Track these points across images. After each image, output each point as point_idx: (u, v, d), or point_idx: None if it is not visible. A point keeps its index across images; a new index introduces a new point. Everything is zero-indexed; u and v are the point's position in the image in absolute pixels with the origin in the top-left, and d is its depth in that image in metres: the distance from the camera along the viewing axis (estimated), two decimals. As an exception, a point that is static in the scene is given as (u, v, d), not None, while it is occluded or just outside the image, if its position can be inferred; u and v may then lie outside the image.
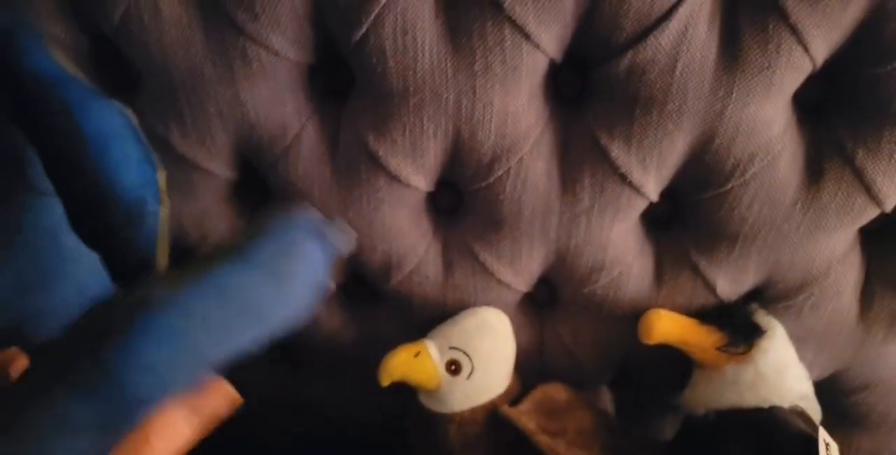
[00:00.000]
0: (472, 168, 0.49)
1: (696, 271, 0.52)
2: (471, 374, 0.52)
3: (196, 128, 0.48)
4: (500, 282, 0.54)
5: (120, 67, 0.48)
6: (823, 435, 0.47)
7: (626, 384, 0.63)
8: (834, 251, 0.51)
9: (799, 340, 0.54)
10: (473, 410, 0.53)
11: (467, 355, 0.52)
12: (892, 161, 0.45)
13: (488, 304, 0.55)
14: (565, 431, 0.54)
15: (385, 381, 0.51)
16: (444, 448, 0.53)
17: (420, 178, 0.50)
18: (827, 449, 0.46)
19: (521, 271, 0.54)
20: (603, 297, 0.54)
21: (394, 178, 0.49)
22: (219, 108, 0.47)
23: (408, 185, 0.50)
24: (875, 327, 0.54)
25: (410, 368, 0.51)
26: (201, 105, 0.47)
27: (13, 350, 0.29)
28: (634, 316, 0.54)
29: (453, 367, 0.52)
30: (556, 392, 0.56)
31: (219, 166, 0.51)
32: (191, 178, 0.51)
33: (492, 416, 0.53)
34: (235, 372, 0.64)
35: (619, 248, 0.52)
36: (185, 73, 0.46)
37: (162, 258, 0.37)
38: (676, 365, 0.56)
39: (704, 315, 0.53)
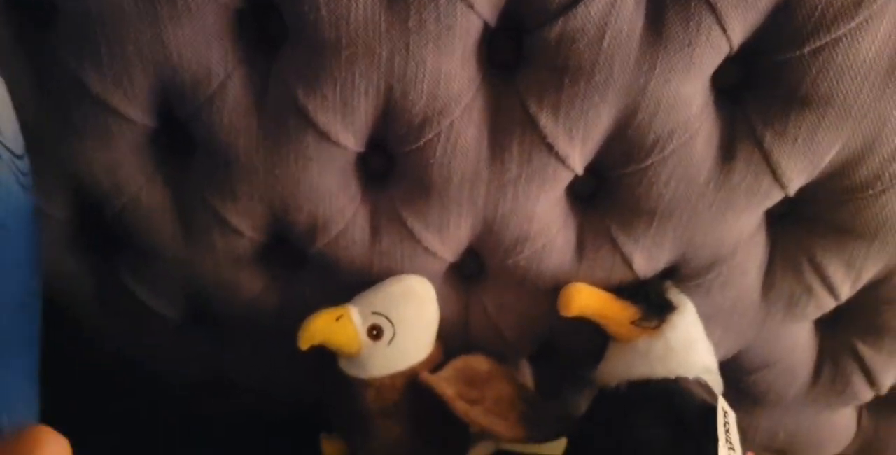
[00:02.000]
0: (402, 129, 0.48)
1: (615, 247, 0.54)
2: (392, 339, 0.51)
3: (113, 68, 0.46)
4: (426, 250, 0.54)
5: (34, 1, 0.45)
6: (722, 404, 0.49)
7: (545, 358, 0.64)
8: (742, 232, 0.54)
9: (707, 319, 0.56)
10: (393, 376, 0.52)
11: (390, 321, 0.52)
12: (797, 144, 0.48)
13: (415, 272, 0.55)
14: (483, 400, 0.54)
15: (304, 345, 0.50)
16: (362, 413, 0.53)
17: (349, 136, 0.49)
18: (725, 416, 0.49)
19: (448, 240, 0.54)
20: (526, 269, 0.55)
21: (323, 136, 0.49)
22: (139, 47, 0.45)
23: (337, 144, 0.49)
24: (775, 307, 0.58)
25: (331, 332, 0.50)
26: (120, 43, 0.45)
27: None
28: (556, 289, 0.55)
29: (375, 333, 0.51)
30: (478, 362, 0.57)
31: (136, 112, 0.48)
32: (106, 123, 0.49)
33: (411, 383, 0.53)
34: (142, 345, 0.62)
35: (544, 220, 0.53)
36: (103, 7, 0.43)
37: None
38: (594, 340, 0.57)
39: (621, 290, 0.55)
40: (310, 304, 0.54)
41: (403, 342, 0.52)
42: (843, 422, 0.67)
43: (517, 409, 0.55)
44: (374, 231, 0.54)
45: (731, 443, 0.47)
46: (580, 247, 0.55)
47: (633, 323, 0.53)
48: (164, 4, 0.43)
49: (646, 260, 0.54)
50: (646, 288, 0.55)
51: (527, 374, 0.65)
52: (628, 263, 0.54)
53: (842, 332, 0.60)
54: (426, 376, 0.52)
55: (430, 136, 0.48)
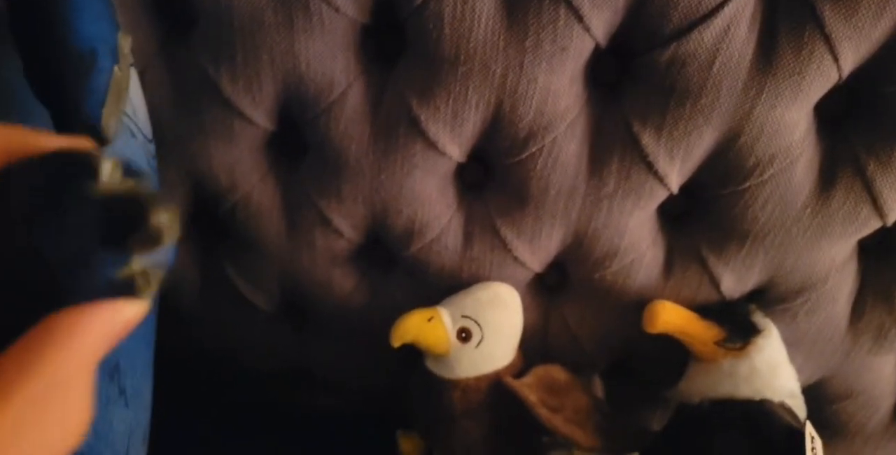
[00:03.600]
0: (507, 142, 0.51)
1: (704, 266, 0.55)
2: (480, 343, 0.53)
3: (246, 74, 0.50)
4: (516, 259, 0.56)
5: (180, 4, 0.49)
6: (809, 429, 0.49)
7: (617, 374, 0.65)
8: (835, 259, 0.54)
9: (791, 344, 0.56)
10: (478, 379, 0.54)
11: (478, 325, 0.54)
12: (902, 174, 0.48)
13: (502, 280, 0.57)
14: (563, 408, 0.55)
15: (397, 342, 0.52)
16: (447, 413, 0.54)
17: (455, 147, 0.52)
18: (812, 442, 0.49)
19: (538, 250, 0.56)
20: (612, 284, 0.56)
21: (430, 145, 0.51)
22: (272, 56, 0.49)
23: (443, 153, 0.52)
24: (863, 338, 0.57)
25: (423, 331, 0.53)
26: (255, 52, 0.48)
27: None
28: (639, 305, 0.56)
29: (464, 335, 0.53)
30: (557, 372, 0.58)
31: (260, 116, 0.52)
32: (231, 124, 0.52)
33: (495, 386, 0.54)
34: (232, 334, 0.66)
35: (635, 236, 0.54)
36: (245, 17, 0.47)
37: (109, 122, 0.35)
38: (670, 359, 0.58)
39: (706, 310, 0.56)
40: (399, 304, 0.56)
41: (490, 346, 0.54)
42: (924, 460, 0.66)
43: (594, 420, 0.56)
44: (467, 238, 0.56)
45: (818, 469, 0.47)
46: (668, 265, 0.56)
47: (717, 343, 0.54)
48: (301, 17, 0.47)
49: (734, 281, 0.55)
50: (731, 309, 0.56)
51: (597, 390, 0.65)
52: (716, 284, 0.55)
53: (931, 368, 0.59)
54: (511, 381, 0.54)
55: (533, 149, 0.50)
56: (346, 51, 0.49)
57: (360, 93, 0.51)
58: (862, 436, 0.63)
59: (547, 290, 0.60)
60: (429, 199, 0.54)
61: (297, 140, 0.54)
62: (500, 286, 0.56)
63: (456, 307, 0.54)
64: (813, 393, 0.61)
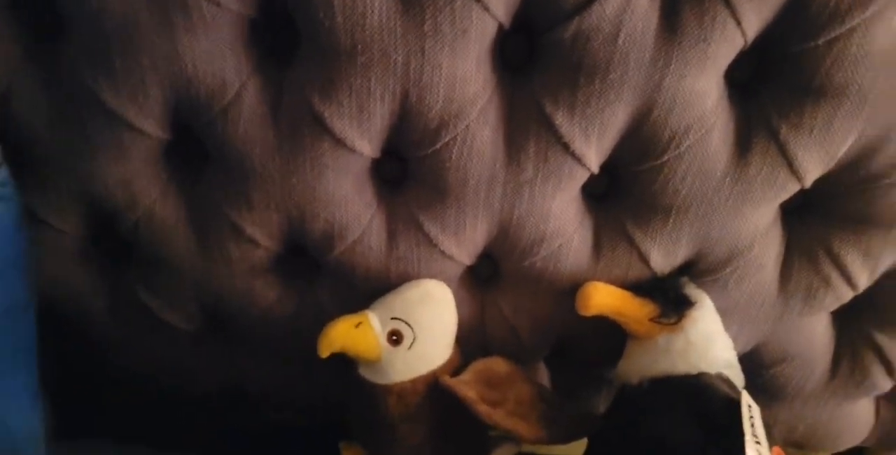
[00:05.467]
0: (418, 134, 0.48)
1: (631, 244, 0.54)
2: (412, 344, 0.51)
3: (128, 81, 0.46)
4: (443, 254, 0.54)
5: (45, 11, 0.45)
6: (746, 398, 0.49)
7: (561, 360, 0.64)
8: (758, 225, 0.54)
9: (725, 313, 0.56)
10: (414, 381, 0.52)
11: (409, 325, 0.51)
12: (813, 136, 0.48)
13: (432, 276, 0.55)
14: (505, 401, 0.54)
15: (324, 352, 0.50)
16: (384, 420, 0.52)
17: (365, 143, 0.49)
18: (750, 410, 0.49)
19: (464, 243, 0.54)
20: (543, 270, 0.55)
21: (339, 143, 0.48)
22: (154, 60, 0.45)
23: (353, 151, 0.49)
24: (793, 300, 0.58)
25: (351, 338, 0.50)
26: (135, 56, 0.45)
27: None
28: (573, 289, 0.55)
29: (395, 338, 0.51)
30: (497, 365, 0.56)
31: (150, 125, 0.48)
32: (121, 136, 0.48)
33: (432, 387, 0.52)
34: (154, 357, 0.62)
35: (560, 220, 0.53)
36: (118, 20, 0.43)
37: None
38: (610, 339, 0.57)
39: (638, 287, 0.55)
40: (327, 311, 0.54)
41: (423, 346, 0.52)
42: (861, 413, 0.67)
43: (538, 410, 0.55)
44: (391, 237, 0.53)
45: (757, 437, 0.47)
46: (597, 246, 0.55)
47: (651, 320, 0.53)
48: (180, 15, 0.43)
49: (663, 256, 0.54)
50: (663, 284, 0.55)
51: (543, 376, 0.64)
52: (645, 260, 0.54)
53: (860, 323, 0.61)
54: (447, 380, 0.52)
55: (447, 139, 0.48)
56: (234, 48, 0.46)
57: (257, 92, 0.47)
58: (801, 397, 0.64)
59: (479, 282, 0.59)
60: (345, 199, 0.52)
61: (196, 147, 0.51)
62: (430, 283, 0.54)
63: (385, 309, 0.52)
64: (750, 360, 0.61)
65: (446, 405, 0.52)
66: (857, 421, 0.68)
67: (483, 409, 0.51)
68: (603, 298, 0.54)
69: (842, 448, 0.70)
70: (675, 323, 0.53)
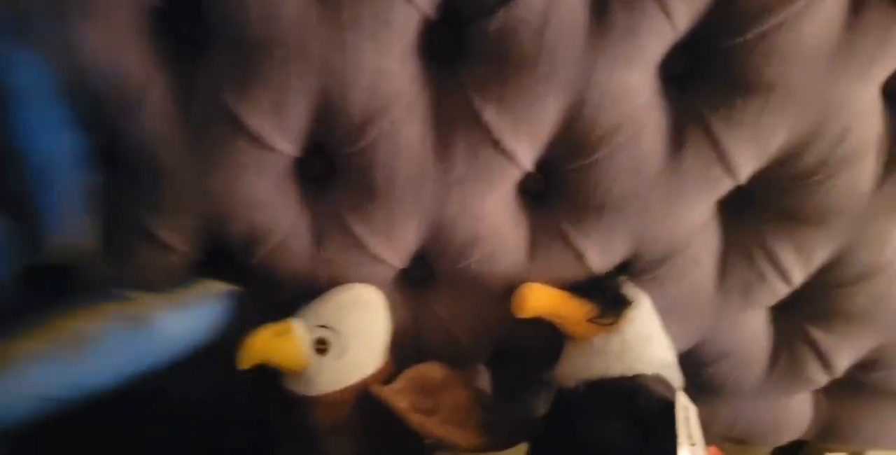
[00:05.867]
0: (342, 130, 0.46)
1: (567, 243, 0.52)
2: (340, 352, 0.49)
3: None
4: (374, 257, 0.52)
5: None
6: (682, 399, 0.48)
7: (502, 362, 0.63)
8: (694, 223, 0.53)
9: (663, 312, 0.56)
10: (343, 392, 0.49)
11: (337, 333, 0.49)
12: (744, 130, 0.47)
13: (362, 280, 0.53)
14: (439, 409, 0.52)
15: (244, 364, 0.47)
16: (310, 433, 0.50)
17: (285, 140, 0.46)
18: (685, 411, 0.48)
19: (395, 245, 0.51)
20: (478, 272, 0.53)
21: (255, 141, 0.46)
22: (49, 50, 0.41)
23: (272, 149, 0.46)
24: (730, 296, 0.57)
25: (273, 349, 0.47)
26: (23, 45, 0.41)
27: None
28: (510, 291, 0.53)
29: (321, 347, 0.48)
30: (432, 370, 0.54)
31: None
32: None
33: (363, 397, 0.50)
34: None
35: (494, 221, 0.51)
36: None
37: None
38: (552, 341, 0.56)
39: (575, 287, 0.54)
40: (252, 319, 0.51)
41: (352, 355, 0.49)
42: (800, 407, 0.68)
43: (475, 416, 0.53)
44: (317, 239, 0.51)
45: (692, 438, 0.46)
46: (532, 246, 0.53)
47: (589, 320, 0.52)
48: (72, 2, 0.39)
49: (599, 255, 0.53)
50: (600, 284, 0.54)
51: (484, 380, 0.63)
52: (581, 260, 0.53)
53: (795, 318, 0.61)
54: (378, 389, 0.49)
55: (373, 136, 0.46)
56: (138, 40, 0.42)
57: (164, 88, 0.44)
58: (740, 394, 0.64)
59: (413, 285, 0.56)
60: (267, 200, 0.49)
61: (103, 148, 0.47)
62: (361, 287, 0.52)
63: (311, 316, 0.49)
64: (689, 358, 0.61)
65: (378, 416, 0.49)
66: (796, 415, 0.68)
67: (416, 418, 0.49)
68: (540, 300, 0.52)
69: (782, 442, 0.71)
70: (613, 323, 0.52)
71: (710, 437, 0.60)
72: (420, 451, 0.55)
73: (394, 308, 0.55)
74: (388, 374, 0.52)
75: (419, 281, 0.56)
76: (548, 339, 0.56)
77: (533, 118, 0.46)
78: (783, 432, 0.69)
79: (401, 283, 0.56)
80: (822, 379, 0.63)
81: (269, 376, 0.52)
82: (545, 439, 0.53)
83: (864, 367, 0.64)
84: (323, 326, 0.49)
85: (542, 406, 0.64)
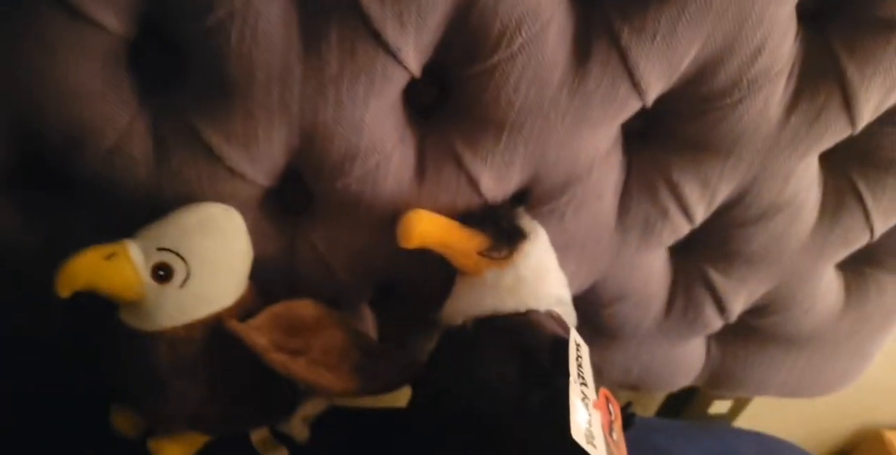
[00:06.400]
0: (184, 8, 0.37)
1: (460, 165, 0.47)
2: (185, 281, 0.41)
3: None
4: (232, 171, 0.44)
5: None
6: (574, 336, 0.45)
7: (387, 302, 0.57)
8: (597, 149, 0.49)
9: (561, 249, 0.51)
10: (189, 327, 0.42)
11: (182, 258, 0.41)
12: (656, 42, 0.42)
13: (220, 199, 0.45)
14: (309, 350, 0.46)
15: (64, 291, 0.38)
16: (154, 375, 0.42)
17: (110, 15, 0.37)
18: (577, 350, 0.44)
19: (258, 158, 0.44)
20: (359, 194, 0.46)
21: (76, 15, 0.36)
22: None
23: (98, 26, 0.37)
24: (630, 234, 0.54)
25: (100, 273, 0.39)
26: None
27: None
28: (395, 218, 0.47)
29: (162, 273, 0.40)
30: (304, 308, 0.48)
31: None
32: None
33: (215, 333, 0.43)
34: None
35: (377, 134, 0.44)
36: None
37: None
38: (442, 276, 0.50)
39: (468, 217, 0.48)
40: (84, 242, 0.42)
41: (201, 284, 0.42)
42: (693, 353, 0.66)
43: (351, 359, 0.47)
44: (159, 145, 0.42)
45: (583, 378, 0.42)
46: (420, 167, 0.47)
47: (480, 253, 0.47)
48: None
49: (494, 181, 0.48)
50: (495, 214, 0.49)
51: (368, 321, 0.57)
52: (475, 185, 0.47)
53: (694, 259, 0.58)
54: (233, 324, 0.42)
55: (221, 14, 0.37)
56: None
57: None
58: (637, 338, 0.62)
59: (288, 210, 0.49)
60: (93, 91, 0.40)
61: None
62: (213, 207, 0.44)
63: (151, 238, 0.41)
64: (587, 299, 0.57)
65: (235, 356, 0.42)
66: (689, 361, 0.67)
67: (277, 357, 0.42)
68: (427, 228, 0.46)
69: (674, 389, 0.70)
70: (506, 257, 0.47)
71: (605, 383, 0.57)
72: (285, 396, 0.49)
73: (262, 235, 0.47)
74: (249, 309, 0.45)
75: (294, 205, 0.49)
76: (437, 275, 0.51)
77: (420, 6, 0.39)
78: (676, 378, 0.68)
79: (271, 206, 0.48)
80: (716, 324, 0.62)
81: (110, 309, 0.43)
82: (429, 381, 0.48)
83: (756, 312, 0.63)
84: (165, 250, 0.41)
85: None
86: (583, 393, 0.41)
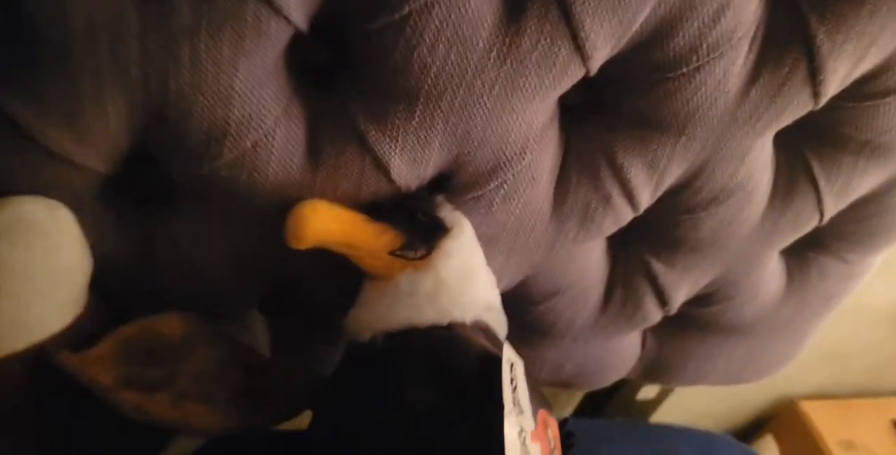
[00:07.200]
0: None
1: (364, 145, 0.37)
2: (-11, 304, 0.30)
3: None
4: (51, 153, 0.33)
5: None
6: (509, 353, 0.37)
7: (282, 308, 0.48)
8: (531, 126, 0.40)
9: (488, 242, 0.44)
10: (4, 363, 0.31)
11: (-19, 273, 0.30)
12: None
13: (39, 191, 0.34)
14: (174, 379, 0.36)
15: None
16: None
17: None
18: (511, 369, 0.37)
19: (89, 136, 0.33)
20: (233, 182, 0.36)
21: None
22: None
23: None
24: (568, 223, 0.47)
25: None
26: None
27: None
28: (282, 210, 0.37)
29: (-48, 295, 0.29)
30: (166, 325, 0.38)
31: None
32: None
33: (40, 368, 0.32)
34: None
35: (252, 104, 0.34)
36: None
37: None
38: (344, 279, 0.42)
39: (375, 209, 0.39)
40: None
41: (11, 307, 0.31)
42: (629, 347, 0.61)
43: (230, 383, 0.38)
44: (-57, 120, 0.31)
45: (519, 406, 0.35)
46: (313, 147, 0.37)
47: (392, 253, 0.39)
48: None
49: (408, 164, 0.39)
50: (409, 205, 0.40)
51: (259, 332, 0.47)
52: (384, 169, 0.38)
53: (635, 249, 0.52)
54: (64, 357, 0.32)
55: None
56: None
57: None
58: (571, 334, 0.55)
59: (136, 203, 0.38)
60: None
61: None
62: (28, 204, 0.33)
63: (-66, 247, 0.30)
64: (516, 295, 0.50)
65: (72, 399, 0.32)
66: (625, 355, 0.62)
67: (126, 397, 0.33)
68: (323, 224, 0.37)
69: (607, 384, 0.65)
70: (423, 256, 0.39)
71: (536, 392, 0.51)
72: (145, 440, 0.39)
73: (105, 233, 0.37)
74: (90, 333, 0.35)
75: (146, 196, 0.38)
76: (340, 278, 0.42)
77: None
78: (611, 373, 0.63)
79: (115, 198, 0.37)
80: (656, 316, 0.57)
81: None
82: (333, 405, 0.40)
83: (698, 301, 0.58)
84: (-46, 263, 0.30)
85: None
86: (519, 425, 0.33)
